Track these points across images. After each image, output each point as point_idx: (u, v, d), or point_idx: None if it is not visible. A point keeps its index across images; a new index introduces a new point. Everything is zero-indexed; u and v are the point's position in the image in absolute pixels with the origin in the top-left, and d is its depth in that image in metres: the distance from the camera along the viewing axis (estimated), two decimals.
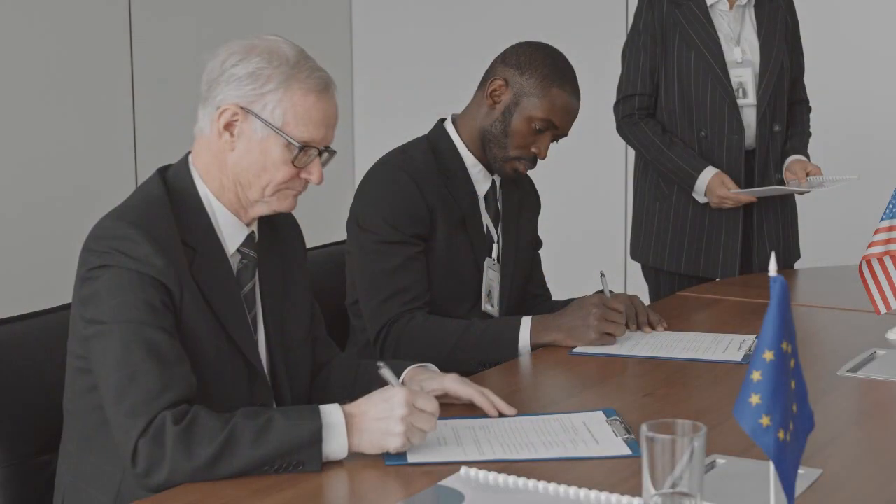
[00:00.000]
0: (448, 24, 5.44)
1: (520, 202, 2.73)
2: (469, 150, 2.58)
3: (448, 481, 1.67)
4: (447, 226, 2.53)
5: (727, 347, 2.44)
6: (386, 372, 1.82)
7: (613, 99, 3.44)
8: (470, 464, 1.71)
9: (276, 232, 2.06)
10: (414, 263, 2.49)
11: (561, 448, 1.83)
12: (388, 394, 1.77)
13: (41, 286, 3.88)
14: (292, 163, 1.88)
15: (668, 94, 3.35)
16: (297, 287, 2.08)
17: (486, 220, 2.62)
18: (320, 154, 1.91)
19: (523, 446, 1.84)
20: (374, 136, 5.42)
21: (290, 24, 5.45)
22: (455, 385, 1.99)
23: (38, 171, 4.45)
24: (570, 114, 2.54)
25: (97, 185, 4.47)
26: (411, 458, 1.77)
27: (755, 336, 2.51)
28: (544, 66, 2.52)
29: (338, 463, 1.76)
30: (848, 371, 2.25)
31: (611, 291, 2.57)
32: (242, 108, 1.86)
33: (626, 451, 1.81)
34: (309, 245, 2.81)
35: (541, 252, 2.87)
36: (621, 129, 3.43)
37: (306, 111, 1.86)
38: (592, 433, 1.90)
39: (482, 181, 2.61)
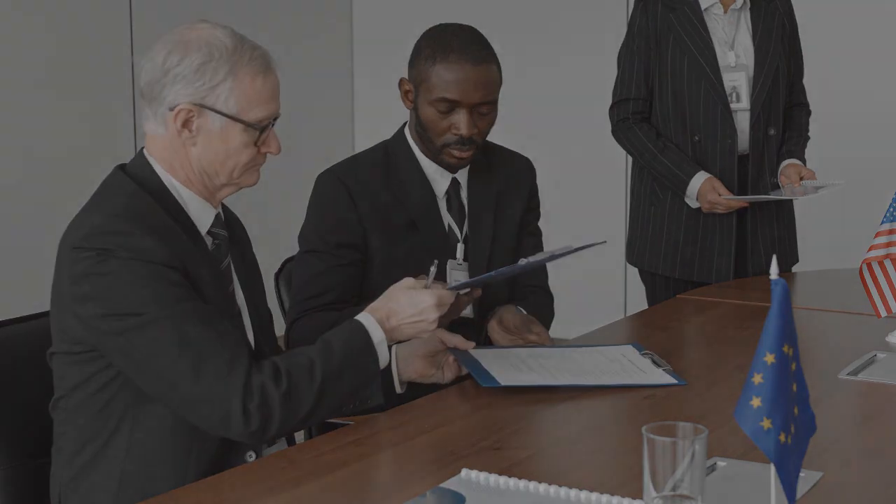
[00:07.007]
0: None
1: (498, 194, 2.61)
2: (422, 152, 2.54)
3: (449, 483, 1.67)
4: (388, 234, 2.47)
5: (636, 364, 2.25)
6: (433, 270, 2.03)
7: (611, 102, 3.43)
8: (471, 467, 1.72)
9: (226, 220, 2.09)
10: (334, 273, 2.45)
11: (620, 376, 2.17)
12: (417, 298, 1.95)
13: (42, 287, 3.87)
14: (254, 144, 1.93)
15: (662, 98, 3.35)
16: (255, 269, 2.13)
17: (448, 219, 2.55)
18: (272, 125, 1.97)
19: (585, 373, 2.16)
20: (374, 137, 5.37)
21: (290, 24, 5.45)
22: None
23: (38, 171, 4.45)
24: (465, 82, 2.41)
25: (98, 186, 4.47)
26: (504, 382, 2.07)
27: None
28: (427, 47, 2.48)
29: (341, 465, 1.77)
30: (848, 374, 2.25)
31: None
32: (196, 104, 1.88)
33: (672, 380, 2.15)
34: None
35: None
36: (616, 134, 3.42)
37: (256, 93, 1.90)
38: (636, 364, 2.22)
39: (440, 180, 2.54)
